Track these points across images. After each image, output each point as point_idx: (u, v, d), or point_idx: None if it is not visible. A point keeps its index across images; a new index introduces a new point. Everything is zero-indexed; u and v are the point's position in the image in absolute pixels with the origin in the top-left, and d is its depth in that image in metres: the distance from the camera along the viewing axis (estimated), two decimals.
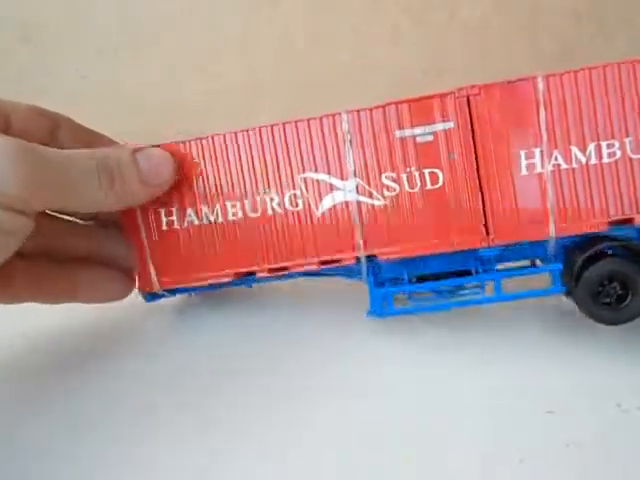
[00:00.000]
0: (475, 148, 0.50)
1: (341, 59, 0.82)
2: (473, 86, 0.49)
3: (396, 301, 0.55)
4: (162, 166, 0.52)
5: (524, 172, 0.49)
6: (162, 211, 0.55)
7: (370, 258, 0.53)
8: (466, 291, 0.55)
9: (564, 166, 0.49)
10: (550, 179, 0.49)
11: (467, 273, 0.54)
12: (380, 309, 0.54)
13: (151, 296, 0.58)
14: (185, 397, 0.50)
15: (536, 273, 0.54)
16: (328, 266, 0.54)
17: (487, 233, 0.51)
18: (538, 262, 0.55)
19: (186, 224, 0.55)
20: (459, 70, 0.80)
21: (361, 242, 0.52)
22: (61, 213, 0.57)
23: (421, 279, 0.54)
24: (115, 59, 0.84)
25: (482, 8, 0.78)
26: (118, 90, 0.84)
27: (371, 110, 0.51)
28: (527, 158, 0.49)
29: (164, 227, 0.55)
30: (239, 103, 0.83)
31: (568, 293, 0.52)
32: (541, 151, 0.49)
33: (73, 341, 0.60)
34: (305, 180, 0.53)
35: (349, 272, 0.56)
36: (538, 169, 0.49)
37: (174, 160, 0.53)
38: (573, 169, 0.49)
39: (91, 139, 0.56)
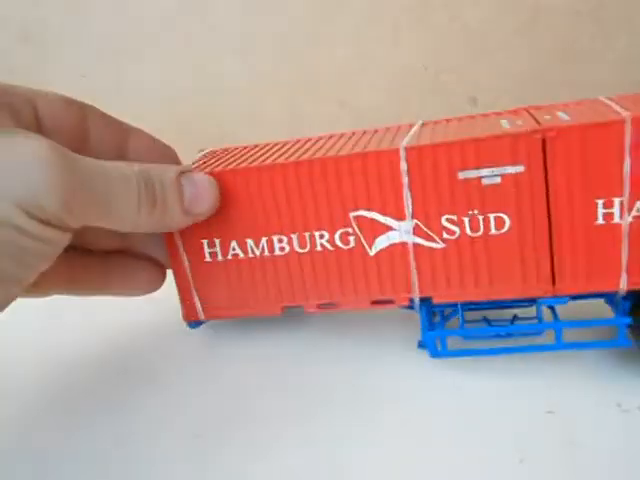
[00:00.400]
0: (547, 193, 0.45)
1: (341, 59, 0.80)
2: (550, 127, 0.44)
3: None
4: (207, 195, 0.48)
5: (600, 222, 0.45)
6: (205, 242, 0.52)
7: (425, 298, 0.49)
8: (523, 327, 0.50)
9: None
10: (627, 231, 0.45)
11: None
12: (434, 350, 0.50)
13: (195, 324, 0.56)
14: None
15: (602, 325, 0.50)
16: (381, 306, 0.50)
17: (553, 283, 0.47)
18: None
19: (230, 256, 0.51)
20: (459, 70, 0.78)
21: (416, 284, 0.49)
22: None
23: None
24: (115, 59, 0.81)
25: (482, 8, 0.76)
26: (118, 90, 0.82)
27: (433, 148, 0.46)
28: (605, 207, 0.44)
29: (207, 258, 0.52)
30: (239, 103, 0.81)
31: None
32: (621, 201, 0.44)
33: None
34: (357, 218, 0.48)
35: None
36: (616, 220, 0.44)
37: (218, 189, 0.49)
38: None
39: (122, 130, 0.53)
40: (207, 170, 0.50)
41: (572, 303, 0.48)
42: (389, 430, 0.45)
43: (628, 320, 0.47)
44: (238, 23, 0.81)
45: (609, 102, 0.48)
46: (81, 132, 0.50)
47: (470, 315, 0.52)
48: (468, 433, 0.43)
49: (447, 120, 0.53)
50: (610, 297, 0.49)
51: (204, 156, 0.56)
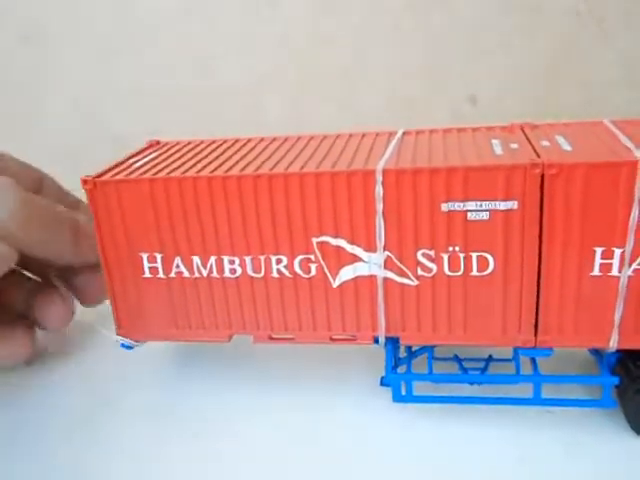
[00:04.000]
0: (540, 235, 0.37)
1: (341, 59, 0.75)
2: (552, 163, 0.35)
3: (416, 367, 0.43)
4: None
5: (595, 272, 0.37)
6: (144, 256, 0.42)
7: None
8: (499, 378, 0.43)
9: None
10: (625, 286, 0.37)
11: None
12: (398, 394, 0.42)
13: (128, 345, 0.46)
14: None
15: (586, 383, 0.42)
16: (341, 343, 0.42)
17: (535, 334, 0.39)
18: None
19: (174, 274, 0.42)
20: (459, 70, 0.74)
21: (383, 323, 0.40)
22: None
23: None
24: (115, 59, 0.78)
25: (482, 8, 0.72)
26: (118, 90, 0.79)
27: (415, 172, 0.37)
28: (603, 257, 0.36)
29: (146, 274, 0.43)
30: (239, 103, 0.77)
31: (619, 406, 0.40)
32: (622, 252, 0.36)
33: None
34: (321, 245, 0.40)
35: None
36: (614, 272, 0.36)
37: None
38: None
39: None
40: (153, 173, 0.42)
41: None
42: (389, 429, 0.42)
43: (615, 380, 0.39)
44: (238, 23, 0.77)
45: (614, 129, 0.40)
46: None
47: (440, 350, 0.44)
48: (468, 432, 0.41)
49: (431, 131, 0.44)
50: (595, 350, 0.42)
51: (150, 147, 0.48)
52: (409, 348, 0.44)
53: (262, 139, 0.47)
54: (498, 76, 0.74)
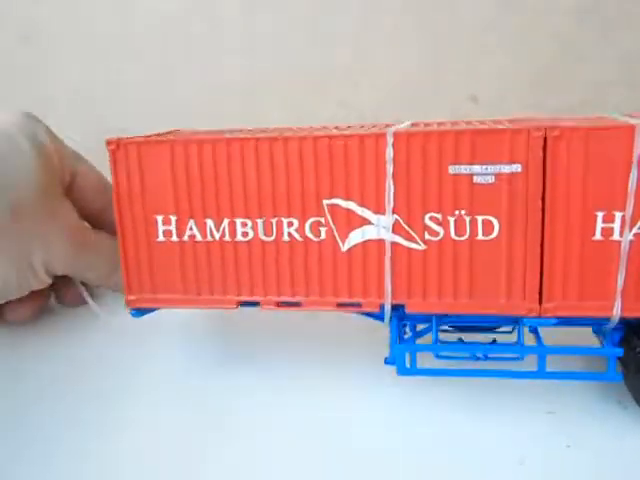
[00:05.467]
0: (543, 199, 0.38)
1: (341, 59, 0.76)
2: (554, 126, 0.37)
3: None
4: None
5: (597, 237, 0.38)
6: (159, 218, 0.44)
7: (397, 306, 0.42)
8: (503, 348, 0.44)
9: None
10: (627, 250, 0.38)
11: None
12: (402, 367, 0.43)
13: (138, 311, 0.47)
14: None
15: (590, 354, 0.43)
16: (347, 310, 0.43)
17: (540, 302, 0.40)
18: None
19: (187, 238, 0.44)
20: (460, 70, 0.75)
21: (389, 289, 0.41)
22: None
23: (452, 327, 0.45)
24: (115, 59, 0.78)
25: (482, 8, 0.73)
26: (118, 90, 0.79)
27: (425, 135, 0.39)
28: (604, 221, 0.38)
29: (160, 237, 0.44)
30: (239, 103, 0.77)
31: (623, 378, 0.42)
32: (623, 216, 0.38)
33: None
34: (332, 207, 0.41)
35: (369, 312, 0.44)
36: (615, 236, 0.38)
37: None
38: None
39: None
40: (170, 138, 0.44)
41: (556, 330, 0.42)
42: (389, 430, 0.42)
43: (620, 351, 0.41)
44: (238, 23, 0.77)
45: (619, 117, 0.42)
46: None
47: (444, 336, 0.46)
48: (468, 433, 0.41)
49: (439, 123, 0.46)
50: (598, 327, 0.44)
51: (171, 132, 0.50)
52: (413, 328, 0.45)
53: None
54: (498, 76, 0.75)
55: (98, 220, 0.56)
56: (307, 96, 0.77)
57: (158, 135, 0.47)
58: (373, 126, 0.48)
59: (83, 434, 0.43)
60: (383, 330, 0.45)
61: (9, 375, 0.51)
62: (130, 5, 0.77)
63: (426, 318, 0.44)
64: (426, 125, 0.45)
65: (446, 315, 0.44)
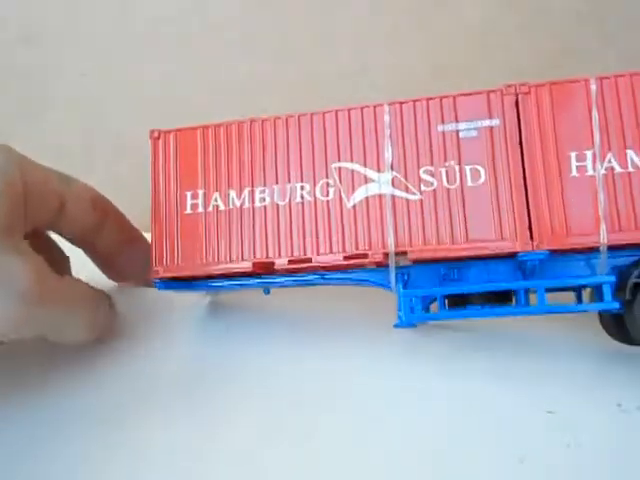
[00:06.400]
0: (521, 147, 0.46)
1: (341, 59, 0.77)
2: (523, 84, 0.46)
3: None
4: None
5: (574, 174, 0.45)
6: (189, 194, 0.51)
7: (400, 266, 0.48)
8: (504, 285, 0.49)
9: (618, 170, 0.44)
10: (602, 183, 0.44)
11: (507, 298, 0.49)
12: (409, 315, 0.48)
13: (164, 283, 0.51)
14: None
15: (586, 287, 0.48)
16: (354, 261, 0.48)
17: (531, 238, 0.45)
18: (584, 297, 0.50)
19: (211, 208, 0.50)
20: (459, 70, 0.75)
21: (392, 238, 0.47)
22: None
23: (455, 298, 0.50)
24: (115, 59, 0.78)
25: (482, 8, 0.75)
26: (118, 90, 0.79)
27: (414, 102, 0.47)
28: (578, 160, 0.45)
29: (188, 210, 0.51)
30: (239, 103, 0.76)
31: (620, 309, 0.46)
32: (593, 153, 0.45)
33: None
34: (339, 169, 0.48)
35: (376, 278, 0.50)
36: (589, 172, 0.45)
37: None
38: (629, 173, 0.44)
39: (132, 237, 0.56)
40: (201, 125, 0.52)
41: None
42: (391, 430, 0.44)
43: (613, 278, 0.46)
44: (238, 23, 0.79)
45: None
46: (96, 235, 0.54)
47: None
48: (469, 433, 0.42)
49: None
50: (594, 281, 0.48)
51: None
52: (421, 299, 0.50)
53: None
54: (498, 76, 0.72)
55: (90, 240, 0.54)
56: (307, 96, 0.77)
57: None
58: None
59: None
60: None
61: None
62: (130, 5, 0.78)
63: (430, 283, 0.49)
64: None
65: (449, 281, 0.49)
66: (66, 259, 0.54)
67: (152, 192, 0.52)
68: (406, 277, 0.49)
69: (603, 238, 0.44)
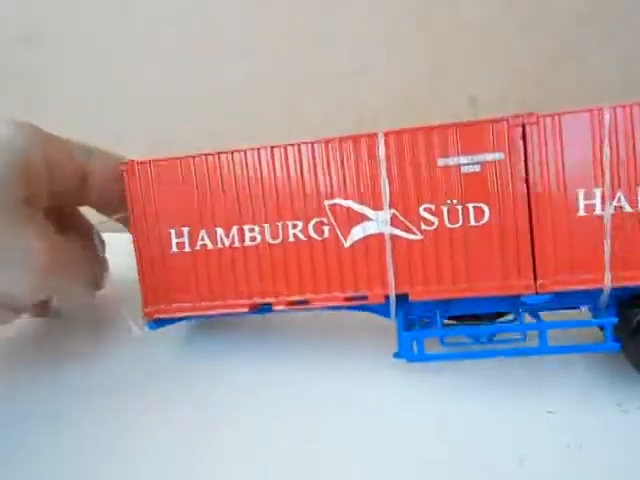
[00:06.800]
0: (527, 182, 0.42)
1: (341, 59, 0.76)
2: (530, 114, 0.41)
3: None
4: None
5: (581, 213, 0.42)
6: (172, 231, 0.47)
7: (401, 296, 0.45)
8: (505, 327, 0.47)
9: (628, 209, 0.41)
10: (610, 223, 0.41)
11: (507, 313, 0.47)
12: (409, 354, 0.46)
13: (155, 323, 0.49)
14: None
15: (587, 326, 0.46)
16: (354, 303, 0.46)
17: (535, 279, 0.43)
18: (583, 307, 0.47)
19: (198, 247, 0.47)
20: (459, 70, 0.74)
21: (392, 279, 0.44)
22: None
23: (455, 318, 0.47)
24: (115, 59, 0.77)
25: (482, 8, 0.72)
26: (118, 90, 0.78)
27: (413, 133, 0.43)
28: (586, 198, 0.41)
29: (174, 249, 0.47)
30: (239, 103, 0.77)
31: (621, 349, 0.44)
32: (602, 191, 0.41)
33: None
34: (333, 207, 0.44)
35: (376, 308, 0.47)
36: (597, 211, 0.41)
37: None
38: (639, 213, 0.41)
39: None
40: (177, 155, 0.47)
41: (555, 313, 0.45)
42: (391, 430, 0.43)
43: (614, 320, 0.44)
44: (238, 23, 0.77)
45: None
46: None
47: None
48: (469, 433, 0.42)
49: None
50: (594, 307, 0.45)
51: None
52: (419, 321, 0.47)
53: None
54: (498, 76, 0.74)
55: (116, 205, 0.52)
56: (307, 96, 0.77)
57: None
58: None
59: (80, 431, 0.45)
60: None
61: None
62: (130, 5, 0.76)
63: (430, 310, 0.47)
64: None
65: (449, 306, 0.46)
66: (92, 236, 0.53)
67: (132, 230, 0.48)
68: (407, 307, 0.46)
69: (608, 280, 0.42)
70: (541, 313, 0.46)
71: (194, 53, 0.77)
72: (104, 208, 0.53)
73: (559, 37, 0.72)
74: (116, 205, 0.52)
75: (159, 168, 0.47)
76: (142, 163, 0.47)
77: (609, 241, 0.41)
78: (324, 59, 0.76)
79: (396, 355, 0.47)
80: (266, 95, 0.77)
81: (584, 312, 0.46)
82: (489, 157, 0.42)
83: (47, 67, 0.79)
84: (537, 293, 0.43)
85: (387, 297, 0.45)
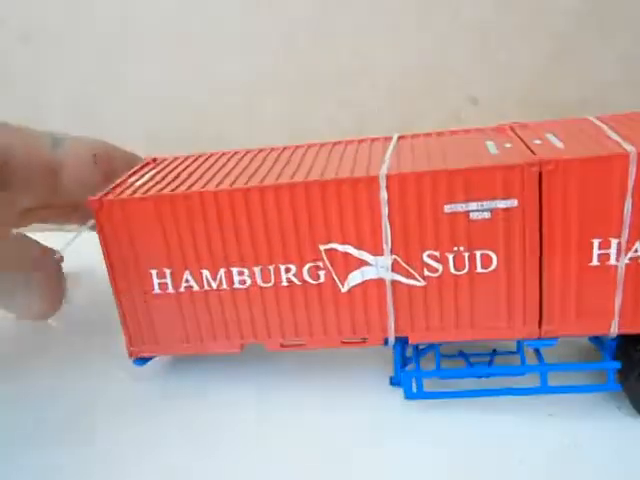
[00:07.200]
0: (540, 230, 0.38)
1: (341, 59, 0.75)
2: (548, 160, 0.36)
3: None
4: None
5: (594, 263, 0.38)
6: (154, 272, 0.43)
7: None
8: (505, 370, 0.44)
9: None
10: (623, 274, 0.38)
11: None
12: (409, 392, 0.43)
13: (141, 360, 0.47)
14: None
15: (590, 369, 0.43)
16: (352, 346, 0.43)
17: (539, 325, 0.40)
18: None
19: (183, 289, 0.43)
20: (459, 70, 0.74)
21: (392, 324, 0.41)
22: None
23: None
24: (115, 59, 0.77)
25: (482, 8, 0.71)
26: (118, 90, 0.78)
27: (417, 176, 0.38)
28: (601, 248, 0.38)
29: (156, 290, 0.43)
30: (239, 103, 0.76)
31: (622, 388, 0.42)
32: (619, 242, 0.37)
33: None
34: (329, 252, 0.41)
35: None
36: (612, 261, 0.38)
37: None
38: None
39: None
40: (157, 190, 0.42)
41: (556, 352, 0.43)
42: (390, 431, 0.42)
43: (617, 365, 0.41)
44: (238, 23, 0.76)
45: (600, 124, 0.41)
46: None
47: (445, 348, 0.46)
48: (469, 434, 0.41)
49: (426, 135, 0.46)
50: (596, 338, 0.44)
51: (147, 165, 0.48)
52: (416, 347, 0.45)
53: (260, 151, 0.47)
54: (498, 76, 0.73)
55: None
56: (307, 96, 0.76)
57: (134, 173, 0.46)
58: (359, 143, 0.47)
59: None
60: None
61: None
62: (130, 5, 0.75)
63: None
64: (413, 139, 0.45)
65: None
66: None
67: (108, 269, 0.43)
68: (404, 341, 0.43)
69: (614, 329, 0.39)
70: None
71: (194, 52, 0.76)
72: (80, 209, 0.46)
73: (559, 37, 0.70)
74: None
75: (130, 207, 0.42)
76: (115, 202, 0.42)
77: (621, 291, 0.38)
78: (324, 59, 0.75)
79: (393, 382, 0.45)
80: (266, 95, 0.76)
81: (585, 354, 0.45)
82: (501, 204, 0.38)
83: (47, 67, 0.78)
84: (540, 338, 0.41)
85: (386, 339, 0.42)
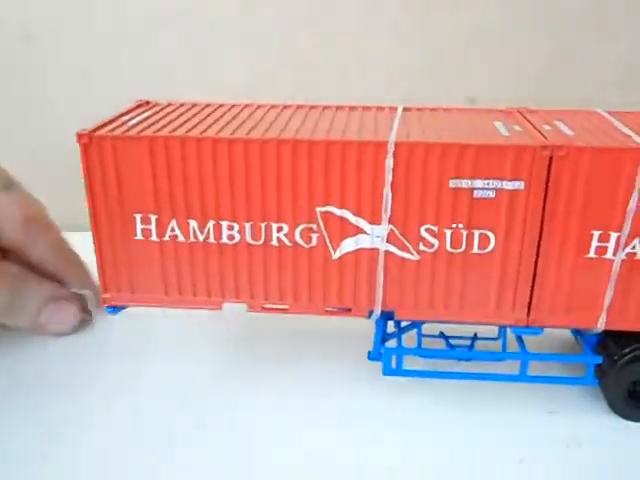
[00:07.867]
0: (542, 216, 0.36)
1: (341, 59, 0.75)
2: (560, 146, 0.35)
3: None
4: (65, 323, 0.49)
5: (591, 255, 0.37)
6: (138, 217, 0.39)
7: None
8: (487, 355, 0.43)
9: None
10: (617, 269, 0.37)
11: None
12: (388, 368, 0.42)
13: (115, 308, 0.43)
14: None
15: (571, 362, 0.42)
16: (335, 314, 0.40)
17: (528, 313, 0.38)
18: None
19: (168, 238, 0.40)
20: (459, 70, 0.74)
21: (380, 297, 0.39)
22: None
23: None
24: (115, 59, 0.75)
25: (482, 8, 0.71)
26: (118, 90, 0.78)
27: (427, 147, 0.36)
28: (600, 240, 0.36)
29: (138, 236, 0.40)
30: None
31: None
32: (618, 236, 0.36)
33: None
34: (325, 215, 0.38)
35: None
36: (608, 255, 0.37)
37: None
38: None
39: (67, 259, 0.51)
40: (152, 131, 0.39)
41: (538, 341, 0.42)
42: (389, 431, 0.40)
43: (598, 359, 0.40)
44: (238, 23, 0.75)
45: (609, 117, 0.40)
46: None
47: (426, 328, 0.44)
48: (469, 433, 0.40)
49: (432, 109, 0.44)
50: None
51: (140, 107, 0.46)
52: (398, 324, 0.43)
53: (259, 106, 0.45)
54: (498, 76, 0.73)
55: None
56: (307, 96, 0.76)
57: (126, 112, 0.43)
58: (364, 109, 0.46)
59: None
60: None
61: None
62: (130, 5, 0.74)
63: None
64: (419, 110, 0.43)
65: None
66: None
67: (89, 210, 0.40)
68: (388, 316, 0.41)
69: (601, 324, 0.38)
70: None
71: (194, 52, 0.75)
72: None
73: (559, 37, 0.70)
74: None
75: (126, 146, 0.39)
76: (106, 138, 0.39)
77: (613, 286, 0.37)
78: (324, 59, 0.75)
79: (371, 356, 0.43)
80: (266, 95, 0.77)
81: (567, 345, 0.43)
82: (508, 185, 0.36)
83: (47, 67, 0.76)
84: (527, 326, 0.39)
85: (371, 312, 0.40)
